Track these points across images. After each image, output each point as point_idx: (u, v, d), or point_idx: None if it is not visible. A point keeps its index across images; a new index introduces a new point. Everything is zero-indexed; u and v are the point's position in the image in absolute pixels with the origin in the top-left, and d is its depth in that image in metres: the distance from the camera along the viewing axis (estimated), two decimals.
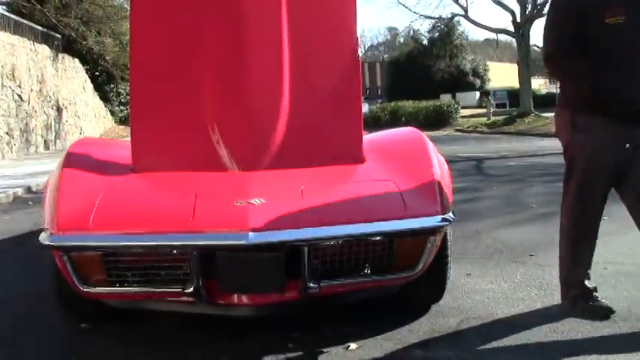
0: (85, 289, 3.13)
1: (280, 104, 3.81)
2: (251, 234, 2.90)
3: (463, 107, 36.43)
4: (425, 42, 52.99)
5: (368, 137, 4.16)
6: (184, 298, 3.16)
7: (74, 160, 3.60)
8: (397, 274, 3.23)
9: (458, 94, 45.83)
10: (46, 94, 22.55)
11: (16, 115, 19.65)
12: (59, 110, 23.87)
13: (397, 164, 3.59)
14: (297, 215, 3.05)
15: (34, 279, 4.82)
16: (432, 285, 3.66)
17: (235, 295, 3.16)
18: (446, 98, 39.16)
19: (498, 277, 4.42)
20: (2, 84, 18.66)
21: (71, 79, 25.90)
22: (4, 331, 3.76)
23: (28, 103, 20.74)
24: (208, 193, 3.29)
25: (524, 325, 3.46)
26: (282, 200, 3.21)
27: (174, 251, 3.02)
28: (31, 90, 21.13)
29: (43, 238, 3.13)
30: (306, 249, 2.97)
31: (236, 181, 3.49)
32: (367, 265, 3.20)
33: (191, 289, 3.03)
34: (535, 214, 6.87)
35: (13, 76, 19.59)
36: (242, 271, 3.00)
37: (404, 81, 50.47)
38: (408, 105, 34.74)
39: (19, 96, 20.02)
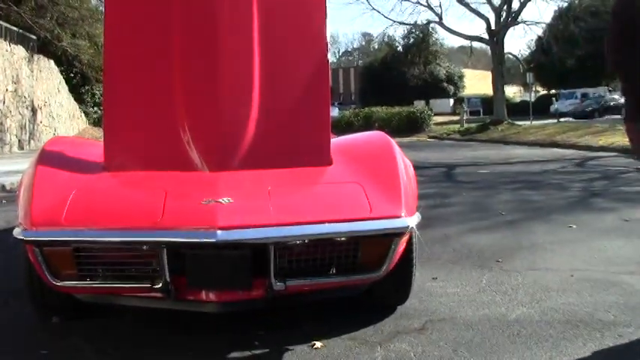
0: (56, 283, 3.17)
1: (250, 107, 3.87)
2: (219, 232, 2.96)
3: (437, 114, 36.81)
4: (399, 48, 53.32)
5: (336, 140, 4.24)
6: (153, 294, 3.22)
7: (48, 158, 3.65)
8: (362, 275, 3.31)
9: (432, 101, 46.26)
10: (21, 94, 22.39)
11: None
12: (34, 111, 23.71)
13: (364, 167, 3.67)
14: (264, 214, 3.12)
15: (4, 275, 4.83)
16: (397, 287, 3.76)
17: (203, 292, 3.22)
18: (419, 105, 39.49)
19: (464, 281, 4.51)
20: None
21: (46, 80, 25.74)
22: None
23: (3, 102, 20.59)
24: (178, 191, 3.35)
25: (487, 329, 3.56)
26: (249, 200, 3.28)
27: (144, 247, 3.07)
28: (7, 90, 20.98)
29: (17, 232, 3.17)
30: (272, 247, 3.04)
31: (205, 180, 3.55)
32: (332, 265, 3.27)
33: (160, 285, 3.08)
34: (503, 221, 6.98)
35: None
36: (209, 269, 3.07)
37: (378, 87, 50.81)
38: (382, 111, 34.98)
39: None
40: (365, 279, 3.37)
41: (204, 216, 3.06)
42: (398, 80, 50.13)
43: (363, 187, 3.41)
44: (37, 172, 3.45)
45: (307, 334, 3.50)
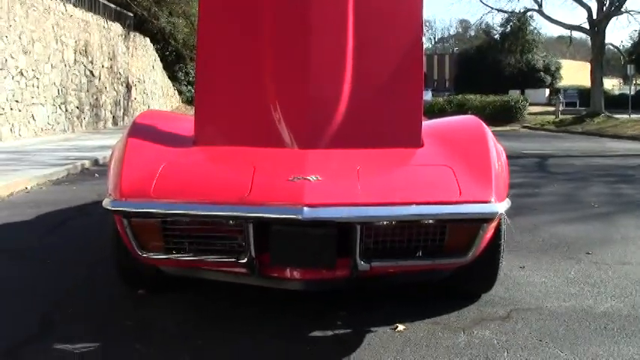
0: (142, 254, 3.23)
1: (341, 86, 3.85)
2: (306, 209, 2.95)
3: (531, 104, 35.77)
4: (496, 36, 52.14)
5: (427, 123, 4.18)
6: (238, 269, 3.25)
7: (139, 131, 3.73)
8: (448, 259, 3.25)
9: (527, 91, 45.07)
10: (116, 71, 23.12)
11: (87, 91, 20.23)
12: (128, 87, 24.45)
13: (455, 150, 3.59)
14: (352, 193, 3.10)
15: (93, 245, 5.00)
16: (483, 274, 3.68)
17: (288, 269, 3.24)
18: (514, 94, 38.48)
19: (552, 271, 4.39)
20: (75, 59, 19.21)
21: (141, 57, 26.46)
22: (60, 294, 3.93)
23: (99, 79, 21.31)
24: (266, 167, 3.36)
25: (574, 320, 3.45)
26: (338, 178, 3.26)
27: (230, 222, 3.10)
28: (102, 66, 21.70)
29: (106, 203, 3.25)
30: (358, 227, 3.01)
31: (294, 158, 3.55)
32: (418, 247, 3.22)
33: (244, 260, 3.11)
34: (595, 213, 6.77)
35: (86, 52, 20.14)
36: (294, 246, 3.07)
37: (472, 74, 49.92)
38: (475, 99, 34.26)
39: (91, 72, 20.59)
40: (450, 263, 3.31)
41: (291, 193, 3.05)
42: (493, 68, 49.04)
43: (453, 170, 3.33)
44: (127, 144, 3.53)
45: (390, 316, 3.49)
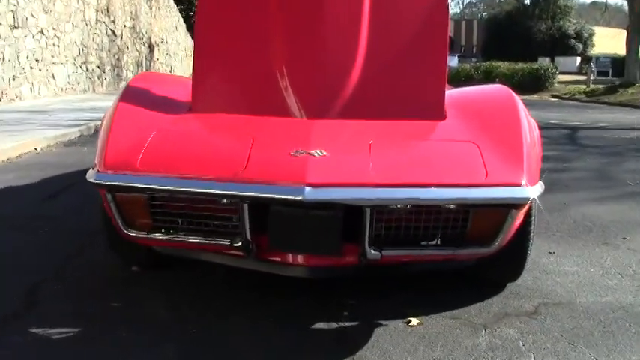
0: (129, 233, 2.92)
1: (356, 50, 3.47)
2: (307, 189, 2.59)
3: (562, 72, 34.93)
4: (526, 1, 50.97)
5: (451, 92, 3.76)
6: (233, 252, 2.91)
7: (132, 95, 3.38)
8: (470, 249, 2.88)
9: (557, 59, 44.05)
10: (138, 30, 22.80)
11: (109, 50, 19.93)
12: (151, 48, 24.13)
13: (482, 124, 3.19)
14: (362, 172, 2.73)
15: (95, 213, 4.67)
16: (509, 262, 3.30)
17: (290, 254, 2.89)
18: (544, 62, 37.57)
19: (585, 259, 4.00)
20: (97, 19, 18.90)
21: (164, 17, 26.09)
22: (48, 268, 3.63)
23: (121, 38, 21.01)
24: (267, 139, 3.00)
25: (611, 320, 3.07)
26: (346, 154, 2.89)
27: (223, 201, 2.75)
28: (124, 26, 21.37)
29: (89, 175, 2.92)
30: (368, 211, 2.65)
31: (299, 128, 3.18)
32: (437, 235, 2.86)
33: (239, 243, 2.77)
34: (630, 192, 6.32)
35: (108, 11, 19.81)
36: (295, 229, 2.71)
37: (501, 41, 48.97)
38: (503, 66, 33.46)
39: (113, 31, 20.28)
40: (472, 254, 2.94)
41: (292, 169, 2.69)
42: (523, 35, 48.00)
43: (480, 147, 2.94)
44: (117, 110, 3.19)
45: (403, 307, 3.15)
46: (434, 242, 2.87)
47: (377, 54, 3.47)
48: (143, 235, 2.93)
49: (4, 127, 9.15)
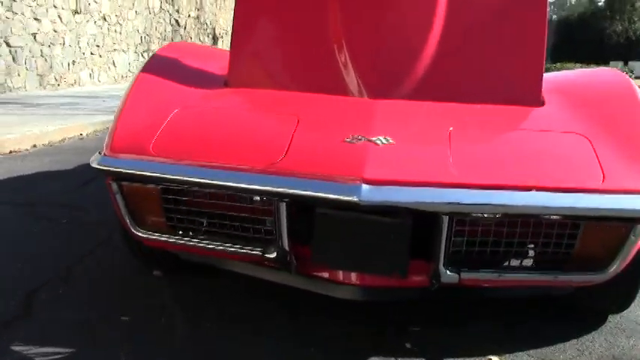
0: (138, 233, 2.32)
1: (433, 19, 2.80)
2: (365, 187, 1.95)
3: (637, 77, 33.30)
4: (600, 3, 49.14)
5: (550, 75, 3.04)
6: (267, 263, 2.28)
7: (156, 66, 2.78)
8: (576, 275, 2.18)
9: (631, 63, 42.19)
10: (203, 21, 22.46)
11: (172, 40, 19.63)
12: (215, 39, 23.77)
13: (592, 113, 2.47)
14: (439, 167, 2.07)
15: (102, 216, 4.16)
16: (617, 287, 2.56)
17: (340, 271, 2.24)
18: (617, 65, 35.93)
19: None
20: (161, 7, 18.64)
21: (229, 9, 25.69)
22: (65, 262, 3.10)
23: (184, 28, 20.69)
24: (315, 120, 2.36)
25: None
26: (419, 142, 2.23)
27: (255, 197, 2.11)
28: (189, 16, 21.06)
29: (93, 159, 2.33)
30: (446, 219, 1.99)
31: (358, 109, 2.52)
32: (534, 255, 2.16)
33: (274, 254, 2.13)
34: None
35: (172, 1, 19.51)
36: (347, 240, 2.07)
37: (572, 43, 47.48)
38: (575, 68, 32.10)
39: (177, 21, 19.99)
40: (578, 281, 2.24)
41: (345, 160, 2.05)
42: (595, 37, 46.30)
43: (591, 141, 2.24)
44: (135, 82, 2.59)
45: (478, 341, 2.47)
46: (530, 264, 2.18)
47: (457, 21, 2.79)
48: (155, 237, 2.32)
49: (53, 111, 8.80)
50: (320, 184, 1.99)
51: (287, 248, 2.11)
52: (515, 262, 2.20)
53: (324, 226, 2.06)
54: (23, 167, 5.55)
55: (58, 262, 3.14)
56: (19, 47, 11.67)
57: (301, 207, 2.11)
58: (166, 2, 19.02)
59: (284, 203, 2.04)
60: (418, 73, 2.68)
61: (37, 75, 12.33)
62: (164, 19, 18.97)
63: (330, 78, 2.72)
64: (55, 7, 12.85)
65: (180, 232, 2.30)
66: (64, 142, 7.13)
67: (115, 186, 2.26)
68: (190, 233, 2.29)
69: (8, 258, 3.22)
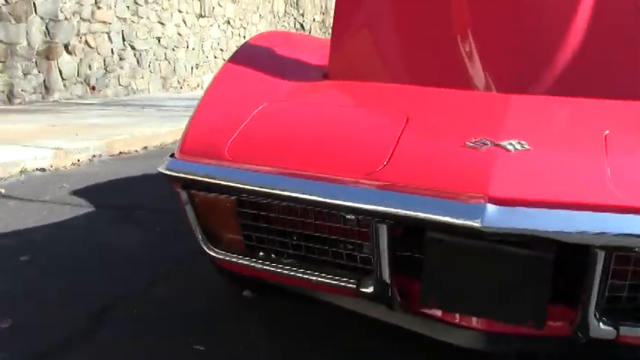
0: (211, 252, 1.92)
1: (578, 3, 2.24)
2: (491, 208, 1.46)
3: None
4: None
5: None
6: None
7: (246, 56, 2.40)
8: None
9: None
10: (328, 25, 22.30)
11: None
12: None
13: None
14: (594, 183, 1.54)
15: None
16: None
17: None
18: None
19: None
20: (285, 11, 18.59)
21: None
22: (147, 276, 2.79)
23: (309, 32, 20.58)
24: (429, 119, 1.88)
25: None
26: (564, 149, 1.71)
27: (348, 216, 1.67)
28: (314, 20, 20.95)
29: (162, 163, 1.96)
30: (602, 254, 1.46)
31: (484, 105, 2.02)
32: None
33: (370, 289, 1.67)
34: None
35: (297, 4, 19.45)
36: (467, 275, 1.57)
37: None
38: None
39: (301, 25, 19.90)
40: None
41: (465, 170, 1.57)
42: None
43: None
44: (219, 73, 2.20)
45: None
46: None
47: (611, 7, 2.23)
48: (230, 257, 1.92)
49: (171, 113, 8.72)
50: (430, 202, 1.51)
51: (388, 281, 1.65)
52: None
53: (436, 257, 1.58)
54: (130, 169, 5.36)
55: (141, 274, 2.83)
56: (143, 50, 11.80)
57: (408, 229, 1.64)
58: (291, 6, 18.95)
59: (384, 225, 1.59)
60: (563, 62, 2.13)
61: (161, 78, 12.44)
62: (288, 23, 18.90)
63: (449, 69, 2.23)
64: (179, 11, 12.95)
65: (261, 253, 1.89)
66: (176, 145, 6.95)
67: (184, 195, 1.88)
68: (272, 256, 1.87)
69: (92, 265, 2.96)
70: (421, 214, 1.53)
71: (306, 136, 1.85)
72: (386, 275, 1.65)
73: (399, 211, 1.54)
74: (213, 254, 1.93)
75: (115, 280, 2.77)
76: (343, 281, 1.74)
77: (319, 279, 1.77)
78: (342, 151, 1.73)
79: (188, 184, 1.84)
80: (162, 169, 1.90)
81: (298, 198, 1.65)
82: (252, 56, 2.37)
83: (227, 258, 1.91)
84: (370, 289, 1.68)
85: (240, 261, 1.88)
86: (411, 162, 1.63)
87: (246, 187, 1.73)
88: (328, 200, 1.61)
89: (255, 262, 1.85)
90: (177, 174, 1.84)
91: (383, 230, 1.59)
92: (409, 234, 1.68)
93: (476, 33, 2.27)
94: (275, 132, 1.88)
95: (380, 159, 1.65)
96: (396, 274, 1.67)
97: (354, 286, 1.71)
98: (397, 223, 1.59)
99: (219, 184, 1.77)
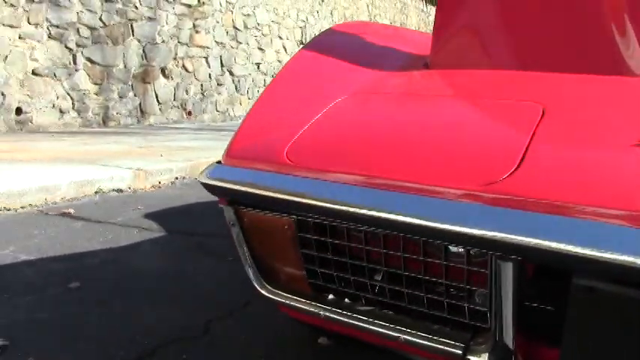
0: (264, 292, 1.42)
1: None
2: None
3: None
4: None
5: None
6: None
7: (324, 45, 1.90)
8: None
9: None
10: None
11: None
12: None
13: None
14: None
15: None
16: None
17: None
18: None
19: None
20: None
21: None
22: (214, 312, 2.35)
23: None
24: (573, 111, 1.32)
25: None
26: None
27: (451, 248, 1.14)
28: None
29: (203, 171, 1.49)
30: None
31: None
32: None
33: (484, 356, 1.13)
34: None
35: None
36: (632, 345, 1.00)
37: None
38: None
39: None
40: None
41: (630, 182, 1.00)
42: None
43: None
44: (293, 58, 1.72)
45: None
46: None
47: None
48: (288, 300, 1.41)
49: None
50: (583, 228, 0.97)
51: (511, 347, 1.11)
52: None
53: (587, 312, 1.02)
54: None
55: (203, 312, 2.38)
56: (242, 76, 11.62)
57: (542, 271, 1.10)
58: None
59: (510, 263, 1.05)
60: None
61: None
62: None
63: (591, 52, 1.67)
64: (280, 37, 12.77)
65: (332, 296, 1.38)
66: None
67: (229, 213, 1.40)
68: (345, 299, 1.36)
69: (155, 299, 2.52)
70: (563, 247, 0.98)
71: (401, 134, 1.33)
72: (509, 337, 1.10)
73: (531, 241, 1.00)
74: (267, 294, 1.43)
75: (166, 318, 2.33)
76: (442, 343, 1.20)
77: (407, 337, 1.24)
78: (448, 155, 1.21)
79: (234, 198, 1.36)
80: (202, 179, 1.43)
81: (375, 217, 1.13)
82: (330, 44, 1.89)
83: (285, 301, 1.41)
84: (484, 357, 1.14)
85: (301, 306, 1.37)
86: (551, 168, 1.09)
87: (311, 202, 1.23)
88: (418, 221, 1.08)
89: (321, 308, 1.34)
90: (219, 183, 1.36)
91: (507, 270, 1.05)
92: (541, 276, 1.14)
93: (632, 14, 1.71)
94: (357, 130, 1.38)
95: (504, 165, 1.12)
96: (524, 336, 1.12)
97: (460, 351, 1.17)
98: (529, 260, 1.05)
99: (274, 197, 1.28)
